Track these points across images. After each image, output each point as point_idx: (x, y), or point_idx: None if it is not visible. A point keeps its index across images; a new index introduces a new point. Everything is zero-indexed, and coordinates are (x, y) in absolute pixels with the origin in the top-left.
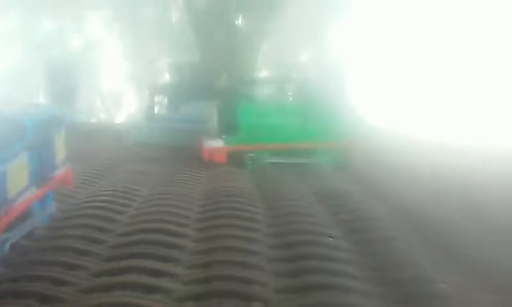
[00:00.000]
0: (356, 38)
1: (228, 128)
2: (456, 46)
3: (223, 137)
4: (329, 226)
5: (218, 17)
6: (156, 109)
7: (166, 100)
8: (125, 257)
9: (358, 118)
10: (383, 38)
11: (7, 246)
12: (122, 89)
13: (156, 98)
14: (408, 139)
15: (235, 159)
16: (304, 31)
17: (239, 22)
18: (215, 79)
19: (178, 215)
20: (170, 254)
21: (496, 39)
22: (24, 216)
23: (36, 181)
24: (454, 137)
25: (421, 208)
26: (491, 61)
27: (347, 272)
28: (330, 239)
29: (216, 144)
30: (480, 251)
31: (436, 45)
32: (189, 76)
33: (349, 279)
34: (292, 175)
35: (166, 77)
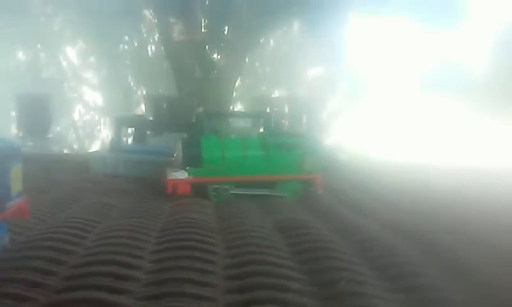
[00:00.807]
0: (334, 75)
1: (192, 160)
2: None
3: (187, 168)
4: (285, 258)
5: (194, 51)
6: (125, 141)
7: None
8: (76, 289)
9: (325, 151)
10: (361, 74)
11: None
12: (96, 120)
13: (125, 130)
14: (380, 168)
15: (199, 191)
16: (280, 67)
17: (215, 56)
18: (191, 112)
19: (134, 247)
20: (122, 285)
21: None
22: None
23: None
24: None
25: (376, 238)
26: None
27: (297, 303)
28: None
29: (179, 175)
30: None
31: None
32: (164, 108)
33: None
34: (254, 207)
35: (142, 109)
